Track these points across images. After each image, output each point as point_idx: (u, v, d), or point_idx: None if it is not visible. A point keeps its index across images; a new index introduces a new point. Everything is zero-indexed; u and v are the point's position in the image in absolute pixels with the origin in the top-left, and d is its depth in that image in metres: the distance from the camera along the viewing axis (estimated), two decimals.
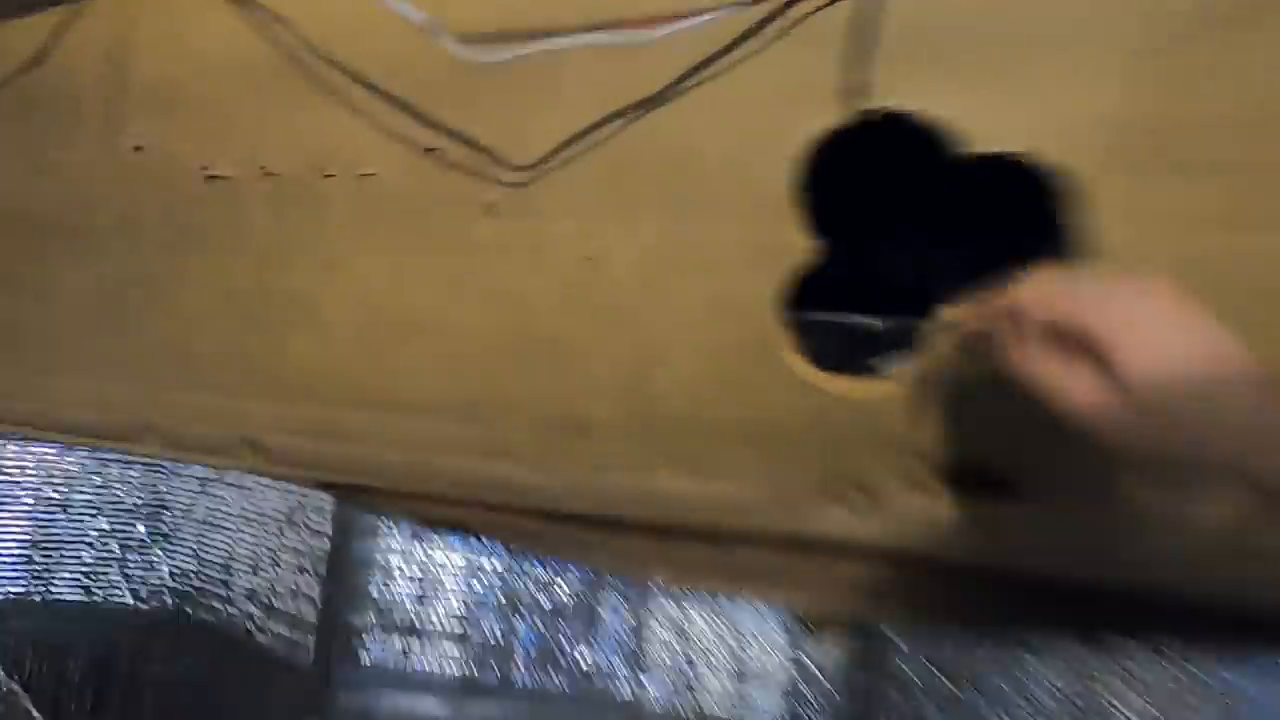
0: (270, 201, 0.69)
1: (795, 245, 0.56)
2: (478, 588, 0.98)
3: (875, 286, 0.62)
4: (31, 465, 1.10)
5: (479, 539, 0.90)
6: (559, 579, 0.97)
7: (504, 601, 0.98)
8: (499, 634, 0.97)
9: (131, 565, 1.11)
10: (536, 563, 0.96)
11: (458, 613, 0.97)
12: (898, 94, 0.52)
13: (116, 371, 0.86)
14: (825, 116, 0.54)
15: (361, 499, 0.86)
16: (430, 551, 0.97)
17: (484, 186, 0.62)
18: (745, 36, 0.54)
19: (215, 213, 0.71)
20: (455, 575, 0.98)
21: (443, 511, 0.85)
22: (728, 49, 0.55)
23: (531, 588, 0.99)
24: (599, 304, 0.62)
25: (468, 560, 0.97)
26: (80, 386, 0.88)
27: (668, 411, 0.63)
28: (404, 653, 0.97)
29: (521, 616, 0.98)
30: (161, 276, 0.77)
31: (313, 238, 0.69)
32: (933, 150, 0.51)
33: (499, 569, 0.97)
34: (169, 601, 1.09)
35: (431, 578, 0.98)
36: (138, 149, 0.71)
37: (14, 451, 1.09)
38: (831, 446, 0.57)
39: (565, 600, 0.98)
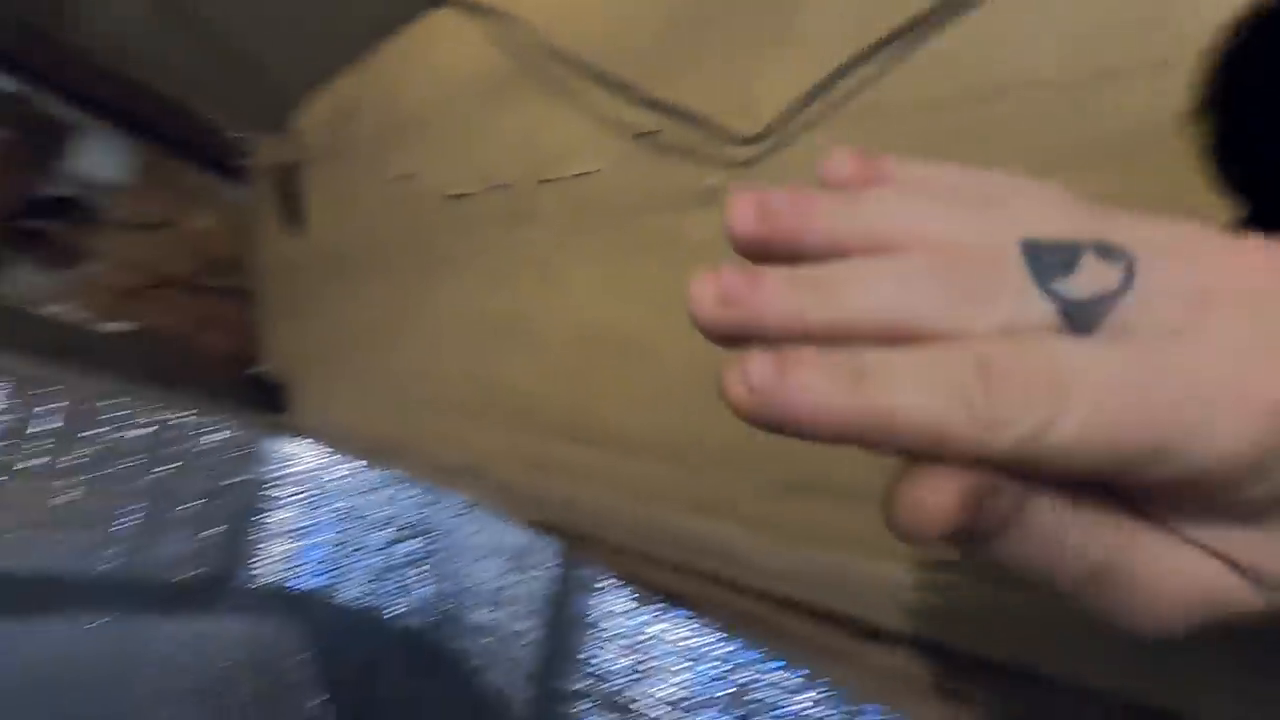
0: (499, 215, 0.66)
1: (1185, 207, 0.33)
2: (701, 675, 0.82)
3: None
4: (343, 475, 1.26)
5: (700, 617, 0.75)
6: (809, 685, 0.76)
7: (732, 699, 0.80)
8: None
9: (403, 580, 1.20)
10: (775, 660, 0.77)
11: (676, 699, 0.82)
12: None
13: (382, 392, 0.92)
14: None
15: (578, 546, 0.78)
16: (651, 622, 0.85)
17: (703, 169, 0.50)
18: None
19: (455, 232, 0.71)
20: (677, 655, 0.83)
21: (656, 574, 0.72)
22: None
23: (768, 690, 0.80)
24: None
25: (692, 639, 0.82)
26: (358, 406, 0.97)
27: None
28: None
29: None
30: (413, 300, 0.79)
31: (530, 253, 0.64)
32: None
33: (729, 657, 0.80)
34: (421, 621, 1.14)
35: (651, 652, 0.85)
36: (398, 179, 0.74)
37: (330, 461, 1.26)
38: None
39: (812, 710, 0.77)
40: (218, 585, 1.15)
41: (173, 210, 1.13)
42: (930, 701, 0.55)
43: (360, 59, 0.80)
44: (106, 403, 1.04)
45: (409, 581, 1.18)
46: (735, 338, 0.19)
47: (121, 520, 1.05)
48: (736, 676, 0.80)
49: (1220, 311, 0.16)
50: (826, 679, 0.77)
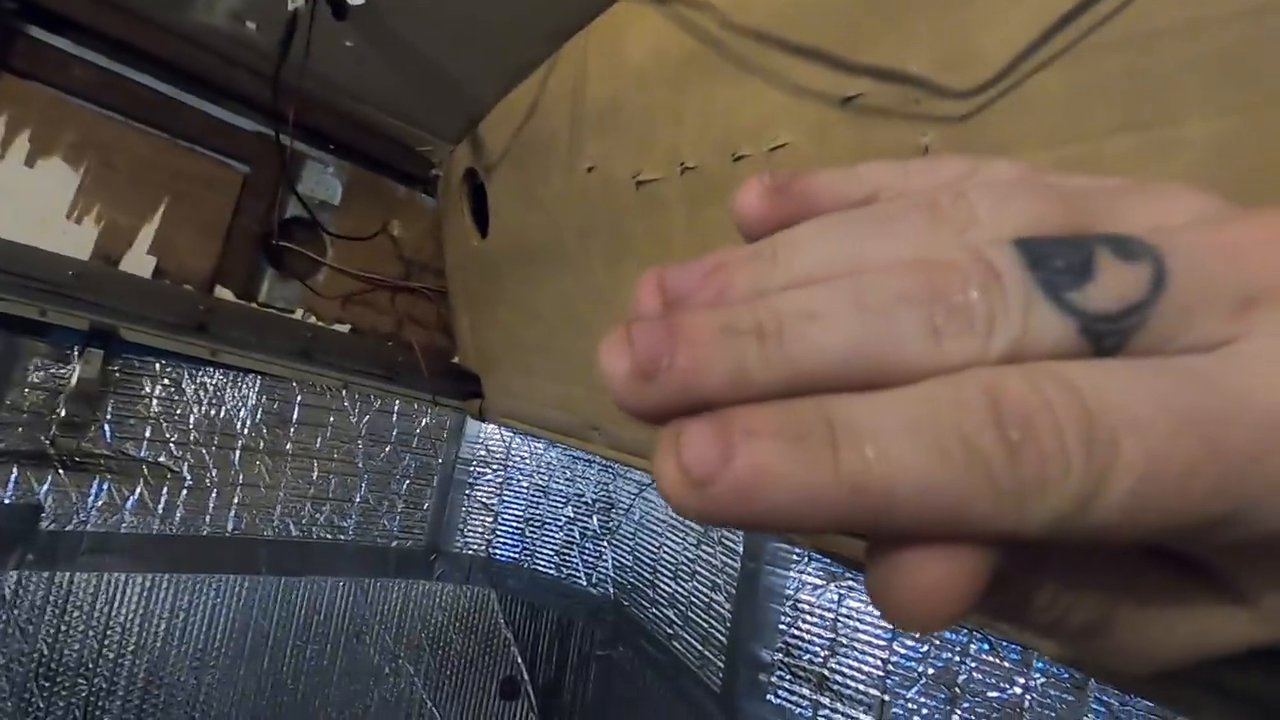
0: (687, 198, 0.68)
1: None
2: (901, 653, 0.80)
3: None
4: (528, 455, 1.37)
5: None
6: (1023, 669, 0.72)
7: (935, 679, 0.78)
8: (924, 718, 0.77)
9: (587, 553, 1.28)
10: (982, 641, 0.73)
11: (875, 677, 0.81)
12: None
13: (574, 376, 0.98)
14: None
15: None
16: (845, 596, 0.84)
17: (915, 129, 0.48)
18: None
19: (644, 218, 0.74)
20: (873, 630, 0.82)
21: (854, 549, 0.71)
22: None
23: (977, 672, 0.76)
24: None
25: (883, 619, 0.80)
26: (552, 389, 1.04)
27: None
28: (813, 708, 0.85)
29: (958, 705, 0.76)
30: (606, 286, 0.83)
31: (723, 231, 0.65)
32: None
33: (929, 636, 0.78)
34: (610, 591, 1.21)
35: (847, 627, 0.84)
36: (590, 170, 0.78)
37: (518, 443, 1.36)
38: None
39: (1027, 696, 0.73)
40: (431, 554, 1.30)
41: (378, 222, 1.27)
42: (1173, 686, 0.50)
43: (542, 62, 0.86)
44: (337, 393, 1.20)
45: (596, 554, 1.25)
46: (670, 415, 0.14)
47: (353, 495, 1.21)
48: (941, 656, 0.78)
49: (1270, 317, 0.13)
50: (1043, 661, 0.73)
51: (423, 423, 1.29)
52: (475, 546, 1.34)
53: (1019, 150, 0.43)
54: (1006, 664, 0.76)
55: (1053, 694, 0.72)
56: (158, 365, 1.04)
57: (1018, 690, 0.74)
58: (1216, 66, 0.36)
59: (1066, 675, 0.71)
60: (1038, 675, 0.73)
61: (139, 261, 1.01)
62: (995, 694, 0.75)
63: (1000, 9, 0.43)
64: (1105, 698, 0.68)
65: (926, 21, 0.47)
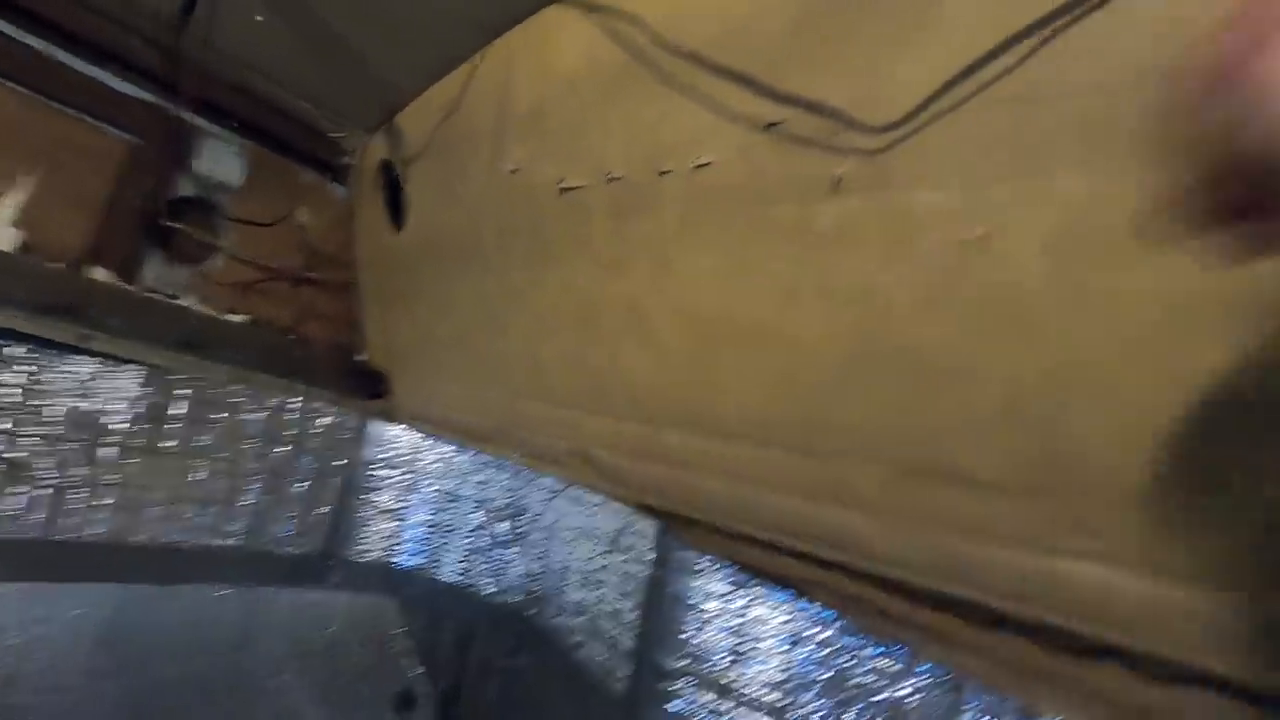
0: (611, 207, 0.68)
1: None
2: (801, 658, 0.83)
3: None
4: (437, 459, 1.32)
5: (806, 599, 0.76)
6: (910, 672, 0.76)
7: (831, 683, 0.81)
8: None
9: (495, 560, 1.25)
10: (876, 646, 0.77)
11: (776, 681, 0.84)
12: None
13: (488, 379, 0.96)
14: None
15: (680, 530, 0.80)
16: (751, 604, 0.86)
17: (832, 159, 0.50)
18: None
19: (566, 224, 0.74)
20: (776, 637, 0.85)
21: (764, 558, 0.73)
22: None
23: (868, 676, 0.80)
24: (987, 303, 0.44)
25: (792, 622, 0.83)
26: (465, 391, 1.01)
27: (1092, 465, 0.42)
28: (714, 713, 0.87)
29: (850, 706, 0.80)
30: (524, 289, 0.82)
31: (646, 242, 0.66)
32: None
33: (828, 641, 0.81)
34: (518, 599, 1.19)
35: (750, 634, 0.86)
36: (513, 172, 0.77)
37: (427, 445, 1.32)
38: None
39: (913, 698, 0.77)
40: (327, 560, 1.23)
41: (282, 208, 1.20)
42: (1043, 686, 0.55)
43: (469, 57, 0.84)
44: (228, 389, 1.12)
45: (504, 561, 1.23)
46: None
47: (243, 498, 1.13)
48: (837, 661, 0.81)
49: None
50: (930, 665, 0.77)
51: (324, 422, 1.22)
52: (376, 553, 1.28)
53: (922, 189, 0.46)
54: (897, 666, 0.80)
55: (935, 694, 0.77)
56: (19, 351, 0.93)
57: (905, 691, 0.79)
58: (1087, 130, 0.40)
59: (947, 677, 0.76)
60: (925, 676, 0.78)
61: (1, 234, 0.91)
62: (884, 696, 0.80)
63: (914, 52, 0.46)
64: (980, 698, 0.73)
65: (848, 58, 0.49)
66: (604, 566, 1.03)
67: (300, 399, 1.20)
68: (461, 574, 1.27)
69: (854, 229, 0.50)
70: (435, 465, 1.32)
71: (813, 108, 0.50)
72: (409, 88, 0.99)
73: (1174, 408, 0.38)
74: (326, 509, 1.23)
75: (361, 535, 1.27)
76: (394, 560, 1.29)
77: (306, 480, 1.20)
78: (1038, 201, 0.42)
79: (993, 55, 0.42)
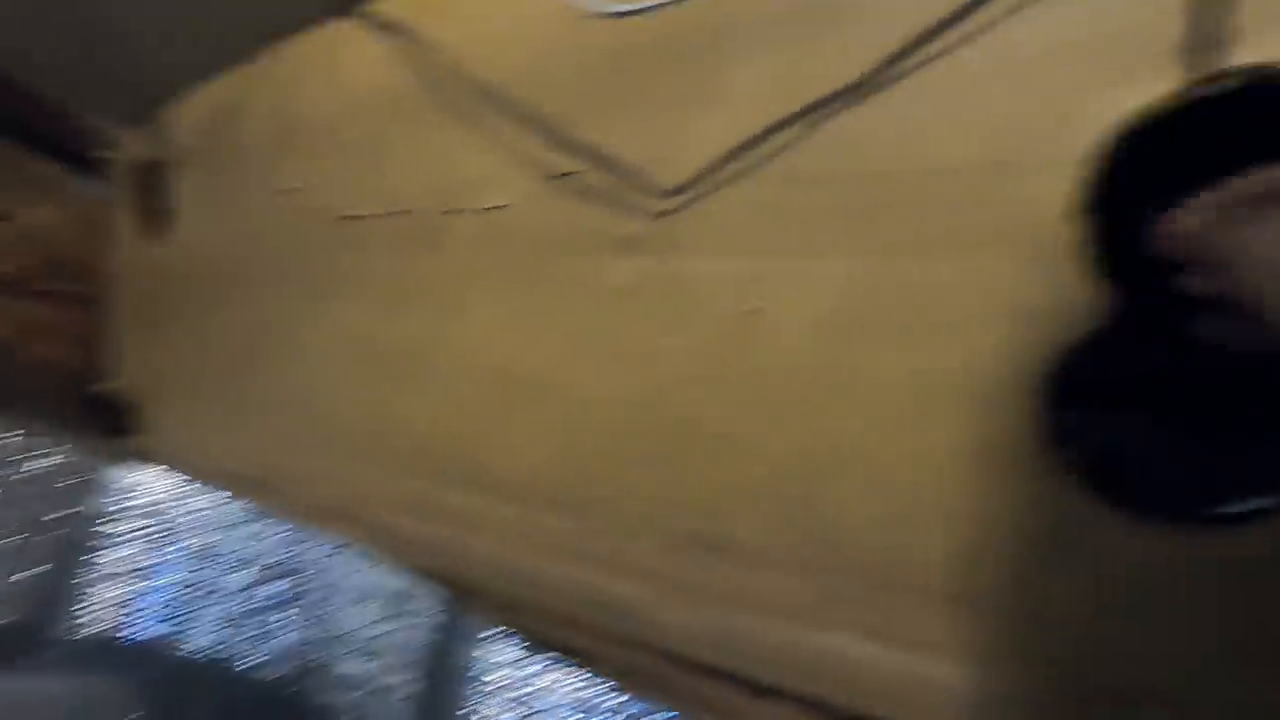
0: (394, 243, 0.62)
1: (1068, 298, 0.35)
2: None
3: (1202, 366, 0.37)
4: (199, 509, 1.13)
5: (591, 670, 0.72)
6: None
7: None
8: None
9: (259, 626, 1.08)
10: (662, 714, 0.75)
11: None
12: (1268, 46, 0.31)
13: (253, 421, 0.83)
14: (1135, 89, 0.34)
15: (460, 595, 0.73)
16: (539, 674, 0.81)
17: (624, 217, 0.49)
18: None
19: (345, 255, 0.66)
20: (566, 708, 0.80)
21: (546, 628, 0.69)
22: (972, 5, 0.37)
23: None
24: (760, 376, 0.44)
25: (582, 691, 0.79)
26: (226, 435, 0.87)
27: (850, 541, 0.43)
28: None
29: None
30: (296, 321, 0.73)
31: (431, 283, 0.60)
32: None
33: (618, 710, 0.78)
34: (282, 672, 1.03)
35: (538, 707, 0.81)
36: (289, 192, 0.69)
37: (182, 493, 1.13)
38: (1119, 639, 0.33)
39: None
40: (34, 636, 0.99)
41: (8, 201, 0.98)
42: None
43: (247, 60, 0.74)
44: None
45: (270, 627, 1.07)
46: None
47: None
48: None
49: None
50: None
51: (40, 464, 1.00)
52: (104, 624, 1.06)
53: (705, 256, 0.46)
54: None
55: None
56: None
57: None
58: (853, 215, 0.42)
59: None
60: None
61: None
62: None
63: (705, 118, 0.46)
64: None
65: (646, 114, 0.48)
66: (384, 634, 0.92)
67: (11, 434, 0.98)
68: (220, 644, 1.09)
69: (644, 290, 0.48)
70: (194, 516, 1.13)
71: (606, 162, 0.49)
72: (178, 79, 0.86)
73: (923, 488, 0.40)
74: (37, 570, 1.00)
75: (84, 603, 1.05)
76: (129, 632, 1.08)
77: (12, 535, 0.98)
78: (809, 280, 0.43)
79: (770, 131, 0.43)
